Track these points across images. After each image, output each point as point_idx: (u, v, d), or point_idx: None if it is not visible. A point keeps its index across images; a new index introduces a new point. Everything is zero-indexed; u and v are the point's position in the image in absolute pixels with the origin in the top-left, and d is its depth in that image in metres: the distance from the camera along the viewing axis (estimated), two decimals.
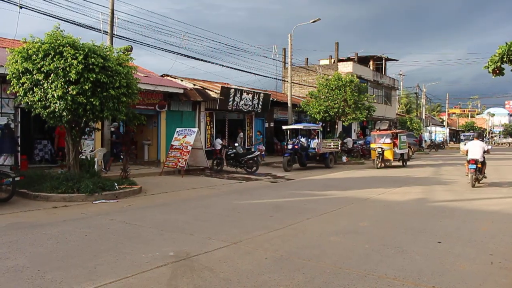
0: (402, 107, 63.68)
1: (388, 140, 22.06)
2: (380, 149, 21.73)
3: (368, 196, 11.92)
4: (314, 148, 20.98)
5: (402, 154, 23.10)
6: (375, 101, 37.21)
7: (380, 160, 21.65)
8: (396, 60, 48.79)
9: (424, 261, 5.83)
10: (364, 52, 45.33)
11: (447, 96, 73.67)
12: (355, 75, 28.31)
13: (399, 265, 5.62)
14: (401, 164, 23.30)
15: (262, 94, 26.07)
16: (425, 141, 50.50)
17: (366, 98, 27.93)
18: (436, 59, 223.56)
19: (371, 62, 44.83)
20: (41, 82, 10.55)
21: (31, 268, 5.35)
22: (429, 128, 61.31)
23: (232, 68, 26.00)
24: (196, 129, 17.80)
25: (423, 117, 56.03)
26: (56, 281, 4.88)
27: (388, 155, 21.93)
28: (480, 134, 25.69)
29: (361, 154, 27.31)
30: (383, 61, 46.28)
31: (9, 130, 13.32)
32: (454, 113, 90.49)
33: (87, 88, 10.41)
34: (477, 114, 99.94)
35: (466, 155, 14.61)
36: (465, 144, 16.92)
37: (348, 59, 42.57)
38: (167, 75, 24.59)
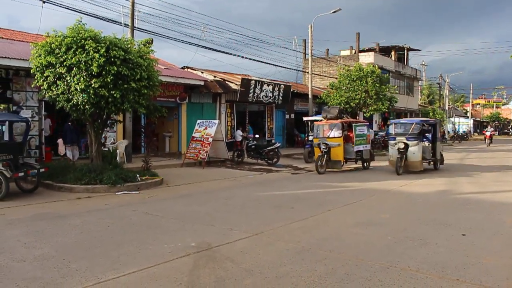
0: (424, 98, 62.71)
1: (337, 133, 15.98)
2: (324, 146, 15.50)
3: (390, 187, 11.79)
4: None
5: (360, 153, 16.71)
6: (397, 92, 36.71)
7: (323, 161, 15.33)
8: (419, 50, 48.27)
9: (448, 254, 5.74)
10: (385, 42, 44.74)
11: (471, 87, 72.27)
12: (376, 66, 27.88)
13: (422, 257, 5.55)
14: (361, 166, 17.22)
15: (282, 86, 25.97)
16: (448, 132, 49.69)
17: (387, 89, 27.56)
18: (460, 49, 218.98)
19: (392, 53, 44.20)
20: (64, 76, 10.68)
21: (57, 257, 5.46)
22: (452, 119, 60.27)
23: (253, 59, 26.02)
24: (217, 121, 17.85)
25: (446, 108, 55.05)
26: (81, 270, 4.97)
27: (336, 154, 15.66)
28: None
29: (382, 145, 27.01)
30: (405, 51, 45.60)
31: (73, 124, 14.67)
32: (479, 104, 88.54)
33: (108, 81, 10.51)
34: (503, 105, 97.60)
35: None
36: None
37: (369, 50, 42.06)
38: (188, 67, 24.69)
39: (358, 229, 7.11)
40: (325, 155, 15.33)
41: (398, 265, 5.23)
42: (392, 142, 15.51)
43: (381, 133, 29.36)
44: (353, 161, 17.15)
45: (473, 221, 7.73)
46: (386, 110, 29.08)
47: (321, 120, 17.52)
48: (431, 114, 43.79)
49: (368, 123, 18.36)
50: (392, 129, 16.19)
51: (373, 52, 39.71)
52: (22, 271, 4.96)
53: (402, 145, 14.91)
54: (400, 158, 14.77)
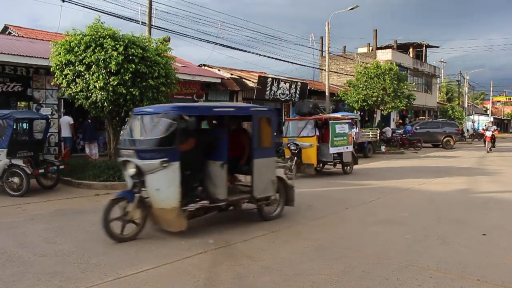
0: (443, 96, 61.90)
1: (309, 132, 13.80)
2: (294, 147, 13.41)
3: (409, 186, 11.67)
4: (352, 138, 20.66)
5: (339, 156, 14.36)
6: (415, 89, 36.28)
7: (294, 164, 12.41)
8: (437, 47, 47.49)
9: (468, 254, 5.66)
10: (403, 39, 44.31)
11: (491, 84, 71.02)
12: (394, 63, 27.63)
13: (441, 256, 5.48)
14: (341, 170, 14.78)
15: (299, 83, 25.87)
16: (468, 130, 48.96)
17: (405, 86, 27.27)
18: (481, 45, 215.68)
19: (411, 50, 43.70)
20: (83, 74, 10.81)
21: (77, 252, 5.54)
22: (471, 117, 59.37)
23: (269, 57, 25.96)
24: None
25: (466, 106, 54.25)
26: (100, 266, 5.03)
27: (308, 156, 13.42)
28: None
29: (400, 143, 26.77)
30: (424, 48, 45.02)
31: (92, 122, 15.02)
32: (499, 101, 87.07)
33: (127, 78, 10.61)
34: None
35: None
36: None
37: (387, 47, 41.64)
38: (205, 65, 24.75)
39: (376, 228, 7.05)
40: (295, 157, 12.45)
41: (417, 264, 5.18)
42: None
43: (399, 131, 29.11)
44: (331, 165, 14.84)
45: (494, 221, 7.61)
46: (404, 108, 28.78)
47: (296, 117, 15.44)
48: (450, 112, 43.22)
49: (350, 121, 15.86)
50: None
51: (390, 49, 39.32)
52: (44, 266, 5.04)
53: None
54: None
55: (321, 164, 14.53)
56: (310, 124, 13.90)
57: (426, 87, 44.13)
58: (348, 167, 14.76)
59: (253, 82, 23.18)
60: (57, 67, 11.18)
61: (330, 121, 14.05)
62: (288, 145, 13.62)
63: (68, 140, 15.00)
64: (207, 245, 5.89)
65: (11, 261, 5.20)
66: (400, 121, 38.03)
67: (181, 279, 4.66)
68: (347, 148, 14.50)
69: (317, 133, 13.94)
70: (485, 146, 25.86)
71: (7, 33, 21.41)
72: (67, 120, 14.93)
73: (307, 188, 11.29)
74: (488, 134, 25.46)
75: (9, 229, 6.77)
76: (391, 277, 4.74)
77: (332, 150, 13.92)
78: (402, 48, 43.08)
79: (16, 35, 20.48)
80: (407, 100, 26.94)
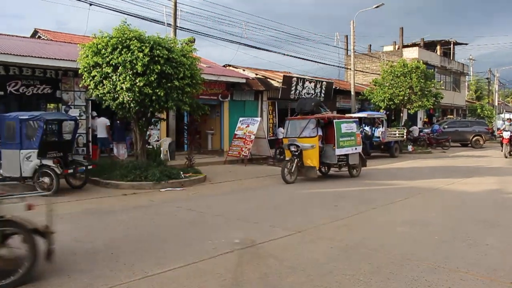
0: (472, 94, 60.58)
1: (311, 133, 12.58)
2: (295, 148, 12.42)
3: (437, 186, 11.46)
4: (379, 137, 20.44)
5: (345, 157, 13.07)
6: (442, 87, 35.61)
7: (293, 167, 12.16)
8: (466, 44, 46.57)
9: (499, 256, 5.51)
10: (430, 37, 43.46)
11: None
12: (421, 61, 27.17)
13: (471, 258, 5.36)
14: (348, 174, 13.53)
15: (324, 83, 25.73)
16: (498, 129, 47.78)
17: (433, 85, 26.78)
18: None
19: (438, 47, 42.89)
20: (110, 75, 10.98)
21: (105, 251, 5.63)
22: (502, 115, 57.91)
23: (294, 56, 25.86)
24: (259, 118, 17.91)
25: (496, 104, 52.95)
26: (129, 264, 5.10)
27: (309, 158, 12.37)
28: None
29: (427, 143, 26.32)
30: (451, 45, 44.14)
31: (121, 122, 15.17)
32: None
33: (153, 79, 10.73)
34: None
35: None
36: None
37: (414, 45, 41.00)
38: (230, 65, 24.86)
39: (403, 228, 6.95)
40: (296, 160, 12.22)
41: (446, 265, 5.07)
42: None
43: (426, 130, 28.62)
44: (336, 167, 13.60)
45: None
46: (432, 107, 28.29)
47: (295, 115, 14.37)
48: (479, 110, 42.28)
49: (357, 120, 14.58)
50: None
51: (417, 47, 38.71)
52: (73, 264, 5.14)
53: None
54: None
55: (325, 167, 13.64)
56: (312, 123, 12.67)
57: (454, 85, 43.25)
58: (355, 170, 13.51)
59: (278, 82, 23.18)
60: (85, 69, 11.39)
61: (334, 120, 12.88)
62: (289, 146, 12.63)
63: (104, 141, 15.33)
64: (233, 244, 5.90)
65: (44, 259, 5.31)
66: (425, 119, 37.33)
67: (208, 278, 4.69)
68: (355, 149, 13.28)
69: (320, 133, 12.94)
70: (502, 149, 20.53)
71: (36, 37, 21.95)
72: (103, 121, 15.23)
73: (331, 188, 11.22)
74: (506, 135, 19.92)
75: None
76: (420, 279, 4.65)
77: (339, 151, 12.70)
78: (429, 45, 42.34)
79: (45, 38, 20.98)
80: (434, 98, 26.46)
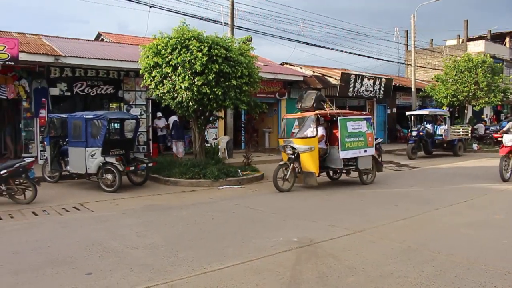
0: None
1: (309, 132, 10.87)
2: (291, 151, 10.67)
3: (504, 187, 10.80)
4: (441, 135, 19.59)
5: (354, 161, 11.10)
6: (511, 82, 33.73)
7: (288, 172, 10.46)
8: None
9: None
10: (499, 29, 41.29)
11: None
12: (488, 55, 25.76)
13: None
14: (359, 180, 11.43)
15: (383, 79, 25.09)
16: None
17: (501, 80, 25.36)
18: None
19: (507, 39, 40.59)
20: (169, 75, 11.21)
21: (165, 246, 5.74)
22: None
23: (352, 53, 25.46)
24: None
25: None
26: (188, 260, 5.16)
27: (308, 163, 10.44)
28: None
29: (494, 141, 24.95)
30: None
31: (180, 121, 15.49)
32: None
33: (211, 78, 10.84)
34: None
35: None
36: None
37: (480, 38, 39.09)
38: (287, 63, 24.79)
39: (468, 230, 6.59)
40: (292, 164, 10.49)
41: None
42: None
43: (492, 128, 27.17)
44: (343, 173, 11.74)
45: None
46: (499, 103, 26.81)
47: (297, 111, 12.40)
48: None
49: (370, 117, 12.20)
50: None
51: (483, 40, 36.86)
52: (135, 258, 5.27)
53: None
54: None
55: (331, 172, 11.87)
56: (311, 121, 10.94)
57: None
58: (368, 176, 11.50)
59: (335, 79, 22.84)
60: (146, 69, 11.69)
61: (338, 118, 10.81)
62: (284, 148, 10.99)
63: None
64: (292, 243, 5.83)
65: (107, 252, 5.50)
66: (494, 117, 35.44)
67: (266, 276, 4.65)
68: (365, 151, 11.15)
69: (323, 133, 10.98)
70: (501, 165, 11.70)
71: (100, 39, 22.92)
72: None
73: (391, 188, 10.87)
74: (509, 143, 11.40)
75: (104, 222, 7.20)
76: (488, 285, 4.37)
77: (344, 154, 10.71)
78: (497, 38, 40.17)
79: (108, 41, 21.86)
80: (502, 94, 25.04)
